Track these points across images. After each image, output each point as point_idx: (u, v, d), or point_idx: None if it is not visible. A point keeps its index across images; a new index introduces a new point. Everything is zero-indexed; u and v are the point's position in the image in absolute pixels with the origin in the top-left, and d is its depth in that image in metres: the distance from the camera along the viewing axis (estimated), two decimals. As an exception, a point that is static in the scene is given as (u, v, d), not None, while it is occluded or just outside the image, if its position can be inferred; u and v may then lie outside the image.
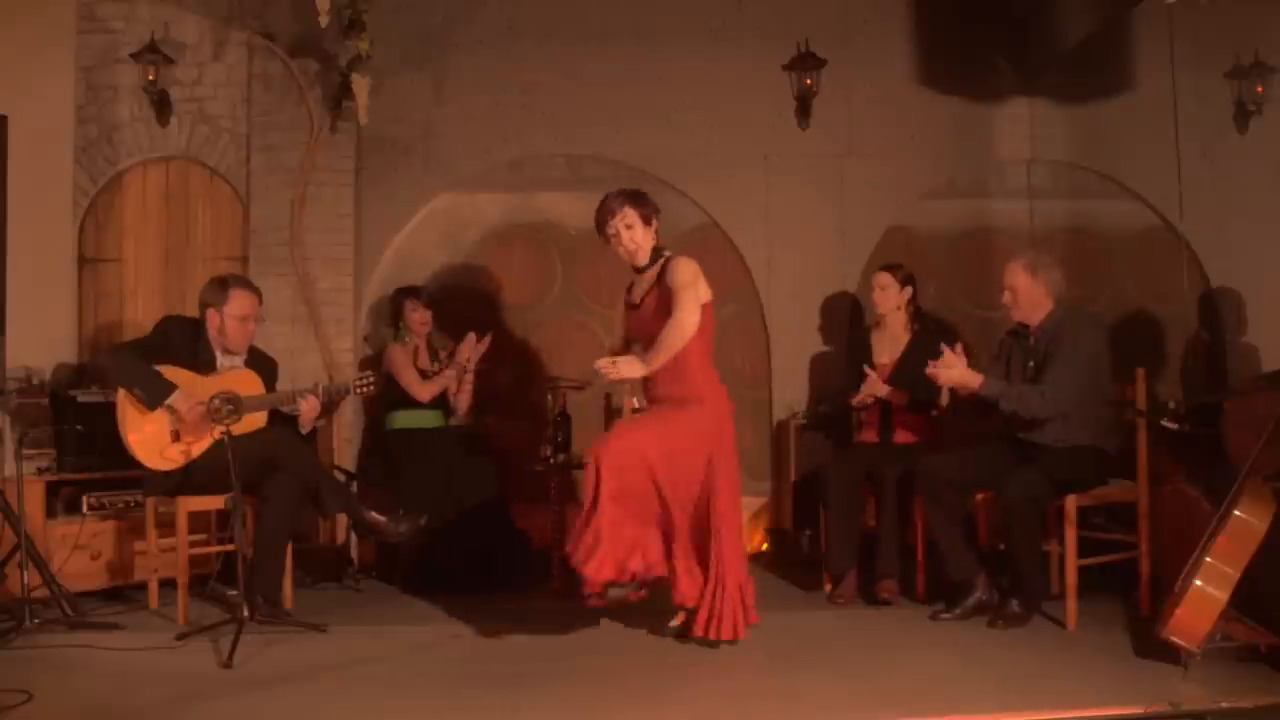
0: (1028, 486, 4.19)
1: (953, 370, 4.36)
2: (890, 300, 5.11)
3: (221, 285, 4.65)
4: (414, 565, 5.13)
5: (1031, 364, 4.43)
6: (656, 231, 4.14)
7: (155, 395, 4.38)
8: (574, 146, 6.06)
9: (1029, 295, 4.44)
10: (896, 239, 6.11)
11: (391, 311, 5.67)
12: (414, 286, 5.66)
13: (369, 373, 4.79)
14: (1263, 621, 3.62)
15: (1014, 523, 4.20)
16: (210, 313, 4.62)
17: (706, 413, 4.03)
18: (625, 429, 4.15)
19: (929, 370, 4.41)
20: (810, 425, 5.81)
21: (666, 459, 3.90)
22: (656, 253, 4.12)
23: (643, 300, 4.15)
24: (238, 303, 4.61)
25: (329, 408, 5.34)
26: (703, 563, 4.04)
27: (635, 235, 4.08)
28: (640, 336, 4.17)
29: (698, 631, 3.99)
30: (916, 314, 5.19)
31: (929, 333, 5.15)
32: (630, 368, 3.92)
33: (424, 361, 5.51)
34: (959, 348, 4.42)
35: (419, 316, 5.52)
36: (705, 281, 4.04)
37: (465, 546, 5.13)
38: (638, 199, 4.11)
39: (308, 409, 4.60)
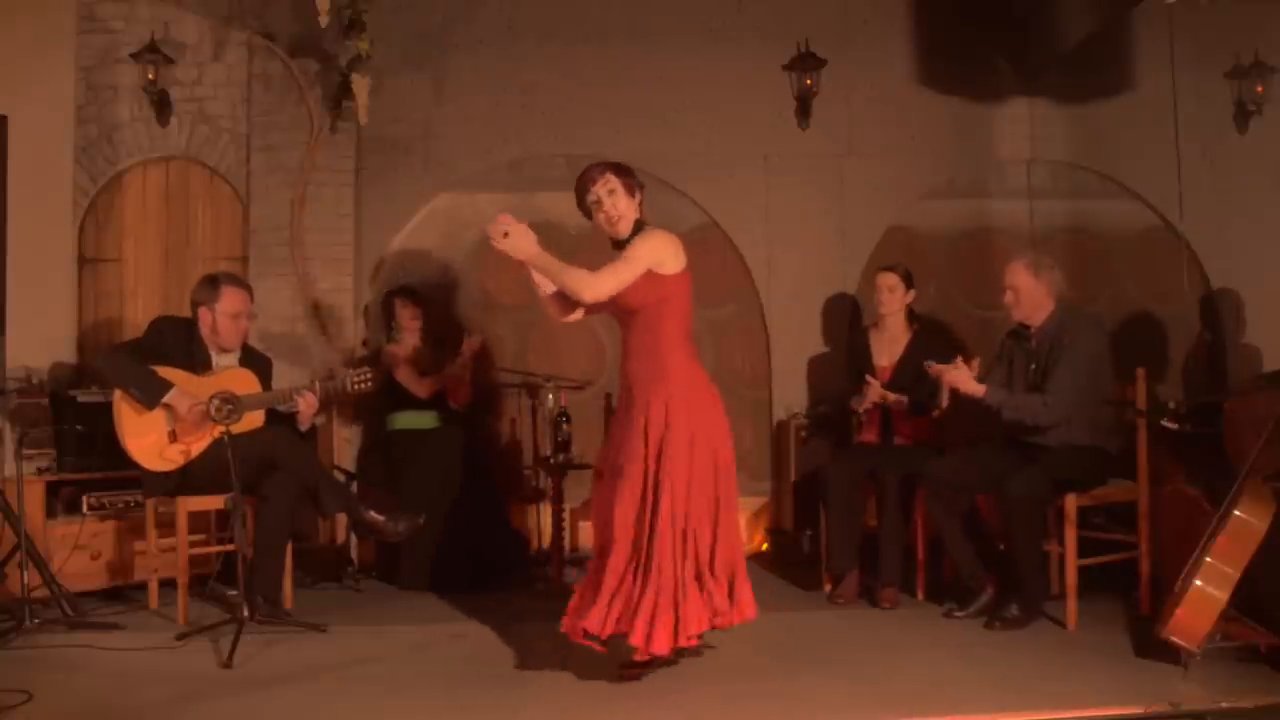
0: (1029, 486, 4.18)
1: (959, 374, 4.36)
2: (897, 301, 5.10)
3: (212, 283, 4.63)
4: (414, 565, 5.13)
5: (1034, 366, 4.43)
6: (640, 206, 3.82)
7: (152, 395, 4.37)
8: (574, 146, 6.05)
9: (1031, 295, 4.44)
10: (896, 239, 6.11)
11: (383, 313, 5.67)
12: (403, 286, 5.66)
13: (366, 369, 4.76)
14: (1263, 621, 3.62)
15: (1015, 523, 4.19)
16: (202, 311, 4.60)
17: (658, 400, 3.63)
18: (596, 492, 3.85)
19: (933, 369, 4.40)
20: (810, 427, 5.81)
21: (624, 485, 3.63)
22: (638, 226, 3.79)
23: None
24: (229, 300, 4.60)
25: (327, 405, 5.35)
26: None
27: (618, 203, 3.75)
28: (605, 310, 3.84)
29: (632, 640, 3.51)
30: (913, 315, 5.19)
31: (927, 334, 5.15)
32: (521, 240, 3.59)
33: (423, 361, 5.51)
34: (959, 361, 4.42)
35: (409, 313, 5.52)
36: (678, 257, 3.72)
37: (464, 546, 5.13)
38: (620, 167, 3.83)
39: (306, 406, 4.58)
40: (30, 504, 4.62)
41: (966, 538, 4.41)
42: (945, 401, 4.91)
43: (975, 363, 4.53)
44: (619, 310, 3.78)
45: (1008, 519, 4.23)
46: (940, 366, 4.40)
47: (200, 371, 4.54)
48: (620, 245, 3.79)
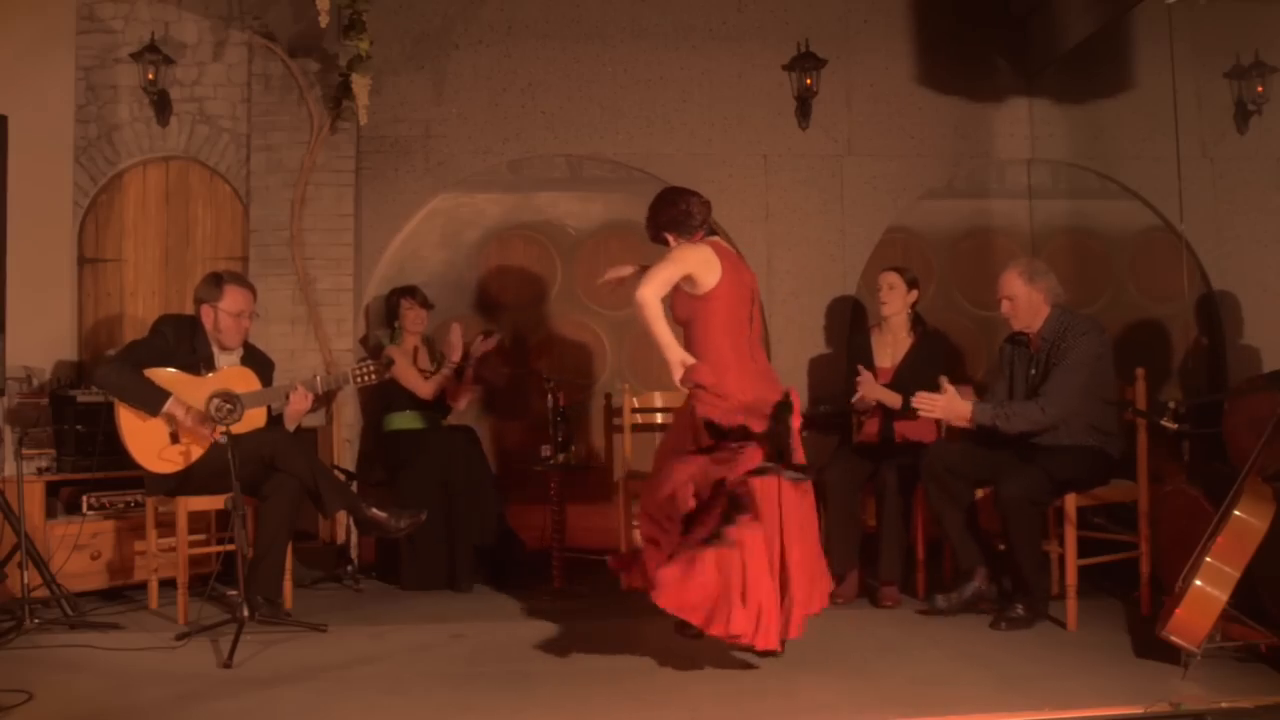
0: (1026, 486, 4.18)
1: (936, 405, 4.31)
2: (898, 301, 5.07)
3: (216, 281, 4.64)
4: (414, 565, 5.13)
5: (1034, 371, 4.42)
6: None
7: (151, 406, 4.39)
8: (574, 146, 6.06)
9: (1028, 302, 4.42)
10: (896, 239, 6.12)
11: (387, 311, 5.66)
12: (410, 286, 5.66)
13: (368, 361, 4.75)
14: (1263, 621, 3.62)
15: (1011, 524, 4.18)
16: (205, 309, 4.61)
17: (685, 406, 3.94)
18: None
19: (914, 403, 4.36)
20: (810, 425, 5.80)
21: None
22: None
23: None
24: (232, 298, 4.60)
25: (329, 400, 5.34)
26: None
27: None
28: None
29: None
30: (917, 319, 5.17)
31: (929, 340, 5.13)
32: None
33: (423, 361, 5.50)
34: (943, 381, 4.37)
35: (414, 315, 5.52)
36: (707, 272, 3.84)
37: (464, 546, 5.13)
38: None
39: (296, 401, 4.57)
40: (30, 504, 4.62)
41: (966, 524, 4.39)
42: (943, 432, 4.93)
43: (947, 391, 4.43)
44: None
45: (1004, 520, 4.21)
46: (917, 402, 4.34)
47: (202, 370, 4.55)
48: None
